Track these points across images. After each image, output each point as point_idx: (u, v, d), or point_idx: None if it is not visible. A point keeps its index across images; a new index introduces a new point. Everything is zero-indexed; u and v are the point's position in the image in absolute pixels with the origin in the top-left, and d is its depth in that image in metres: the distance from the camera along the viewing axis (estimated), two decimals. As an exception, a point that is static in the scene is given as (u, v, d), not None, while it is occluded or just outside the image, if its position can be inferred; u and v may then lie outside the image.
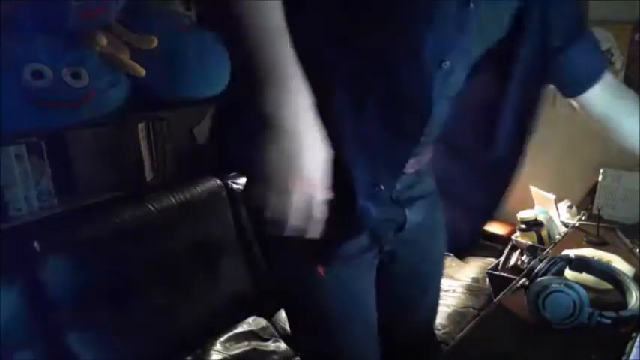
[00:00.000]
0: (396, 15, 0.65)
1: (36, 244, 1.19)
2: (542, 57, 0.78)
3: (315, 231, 0.61)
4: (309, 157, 0.57)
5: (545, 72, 0.81)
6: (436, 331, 1.10)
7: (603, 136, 0.94)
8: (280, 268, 0.86)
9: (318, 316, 0.85)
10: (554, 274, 0.94)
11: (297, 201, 0.57)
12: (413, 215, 0.84)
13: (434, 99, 0.69)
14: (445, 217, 0.97)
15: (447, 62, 0.68)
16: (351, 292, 0.84)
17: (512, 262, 1.74)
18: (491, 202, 0.94)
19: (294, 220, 0.58)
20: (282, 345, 1.46)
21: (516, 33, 0.75)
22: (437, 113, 0.74)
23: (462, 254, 1.11)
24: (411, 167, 0.81)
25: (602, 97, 0.89)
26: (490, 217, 0.99)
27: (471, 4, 0.66)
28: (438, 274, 1.03)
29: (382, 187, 0.73)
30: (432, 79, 0.68)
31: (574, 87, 0.89)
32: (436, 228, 0.95)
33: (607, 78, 0.89)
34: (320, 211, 0.60)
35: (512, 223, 2.01)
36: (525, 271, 0.99)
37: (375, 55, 0.67)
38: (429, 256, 0.96)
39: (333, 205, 0.72)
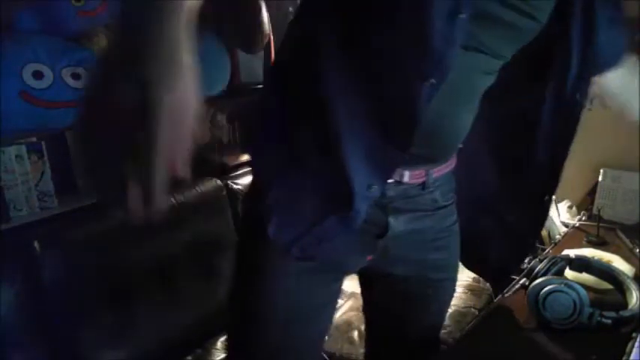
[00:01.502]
0: (381, 26, 0.64)
1: (36, 244, 1.19)
2: (585, 54, 0.73)
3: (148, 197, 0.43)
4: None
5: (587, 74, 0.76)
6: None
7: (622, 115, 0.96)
8: (244, 254, 0.84)
9: (259, 311, 0.81)
10: (554, 274, 0.94)
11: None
12: (397, 224, 0.78)
13: (423, 109, 0.64)
14: (483, 248, 0.93)
15: (433, 80, 0.62)
16: (299, 301, 0.80)
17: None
18: (533, 230, 0.92)
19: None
20: (282, 345, 1.46)
21: (558, 31, 0.71)
22: (446, 123, 0.72)
23: (499, 285, 1.06)
24: (416, 178, 0.77)
25: (620, 78, 0.88)
26: (533, 245, 0.95)
27: (462, 15, 0.60)
28: (439, 294, 0.93)
29: (376, 187, 0.70)
30: (418, 92, 0.63)
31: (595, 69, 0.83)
32: (435, 244, 0.86)
33: (629, 60, 0.87)
34: (163, 178, 0.43)
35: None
36: (525, 271, 0.99)
37: (366, 57, 0.66)
38: (426, 274, 0.87)
39: (321, 204, 0.71)
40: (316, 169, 0.72)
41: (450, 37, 0.61)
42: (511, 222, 0.90)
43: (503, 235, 0.92)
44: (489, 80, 0.75)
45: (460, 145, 0.82)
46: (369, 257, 0.81)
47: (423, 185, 0.79)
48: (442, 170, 0.81)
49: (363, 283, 0.96)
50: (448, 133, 0.75)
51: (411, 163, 0.75)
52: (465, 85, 0.72)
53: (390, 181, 0.74)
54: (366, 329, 1.02)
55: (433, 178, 0.79)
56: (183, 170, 0.45)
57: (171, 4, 0.43)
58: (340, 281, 0.87)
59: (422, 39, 0.61)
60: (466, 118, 0.76)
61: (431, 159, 0.78)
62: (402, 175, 0.75)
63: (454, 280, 0.96)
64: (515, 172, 0.87)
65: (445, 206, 0.85)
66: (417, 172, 0.76)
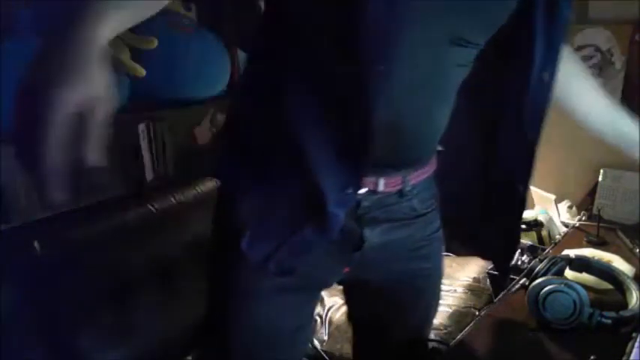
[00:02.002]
0: (323, 18, 0.63)
1: (36, 244, 1.19)
2: (549, 33, 0.72)
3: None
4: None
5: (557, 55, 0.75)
6: (437, 331, 1.07)
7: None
8: (216, 269, 0.83)
9: (233, 333, 0.80)
10: (554, 275, 0.94)
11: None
12: (373, 235, 0.76)
13: (374, 99, 0.62)
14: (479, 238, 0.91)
15: (381, 66, 0.60)
16: (275, 322, 0.79)
17: (512, 262, 1.74)
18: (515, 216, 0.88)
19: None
20: (282, 345, 1.46)
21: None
22: (422, 121, 0.71)
23: (499, 284, 1.04)
24: (392, 186, 0.74)
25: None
26: (518, 240, 0.92)
27: None
28: (422, 299, 0.92)
29: (349, 191, 0.67)
30: (367, 80, 0.61)
31: None
32: (416, 253, 0.84)
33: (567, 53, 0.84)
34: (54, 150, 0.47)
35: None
36: (525, 271, 0.99)
37: (315, 53, 0.65)
38: (407, 282, 0.86)
39: (299, 212, 0.69)
40: (287, 178, 0.70)
41: (392, 19, 0.59)
42: (494, 215, 0.87)
43: (490, 228, 0.89)
44: (464, 73, 0.73)
45: (439, 148, 0.81)
46: (346, 269, 0.79)
47: (400, 193, 0.76)
48: (420, 176, 0.78)
49: (345, 292, 0.95)
50: (425, 131, 0.73)
51: (387, 169, 0.73)
52: (439, 80, 0.70)
53: (363, 190, 0.71)
54: (352, 335, 1.01)
55: (410, 186, 0.76)
56: (95, 158, 0.51)
57: (88, 35, 0.50)
58: (315, 301, 0.86)
59: (362, 22, 0.59)
60: (442, 115, 0.74)
61: (408, 163, 0.75)
62: (376, 184, 0.73)
63: (438, 286, 0.94)
64: (492, 164, 0.84)
65: (425, 214, 0.82)
66: (392, 179, 0.74)
